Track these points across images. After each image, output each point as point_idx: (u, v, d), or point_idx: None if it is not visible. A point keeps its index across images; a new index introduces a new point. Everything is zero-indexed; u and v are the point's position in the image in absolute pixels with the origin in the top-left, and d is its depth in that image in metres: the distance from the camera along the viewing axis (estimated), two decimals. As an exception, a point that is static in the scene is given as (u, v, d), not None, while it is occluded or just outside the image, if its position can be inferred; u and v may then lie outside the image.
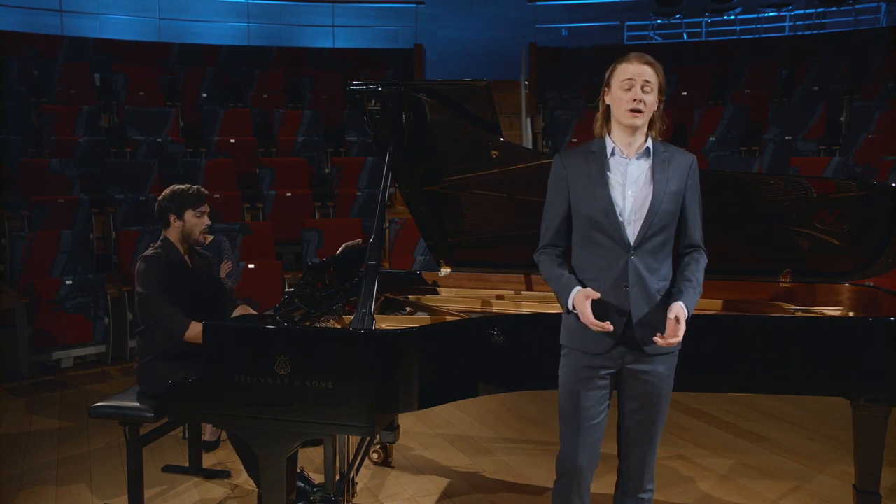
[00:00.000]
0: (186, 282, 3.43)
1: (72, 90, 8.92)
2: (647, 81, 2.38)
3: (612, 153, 2.44)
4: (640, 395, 2.47)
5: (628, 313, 2.40)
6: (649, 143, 2.44)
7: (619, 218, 2.39)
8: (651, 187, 2.40)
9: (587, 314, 2.34)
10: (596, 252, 2.42)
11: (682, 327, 2.32)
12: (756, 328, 3.02)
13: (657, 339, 2.32)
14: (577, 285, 2.42)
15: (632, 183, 2.41)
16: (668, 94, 9.10)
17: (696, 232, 2.49)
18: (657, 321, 2.38)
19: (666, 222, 2.41)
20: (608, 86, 2.44)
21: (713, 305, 3.46)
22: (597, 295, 2.36)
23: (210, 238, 3.60)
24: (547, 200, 2.55)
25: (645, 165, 2.43)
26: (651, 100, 2.39)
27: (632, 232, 2.39)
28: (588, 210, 2.42)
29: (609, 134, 2.47)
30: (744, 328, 3.02)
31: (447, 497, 3.70)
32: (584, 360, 2.46)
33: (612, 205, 2.39)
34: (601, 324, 2.33)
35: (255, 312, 3.47)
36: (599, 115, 2.49)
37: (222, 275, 4.37)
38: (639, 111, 2.37)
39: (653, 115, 2.43)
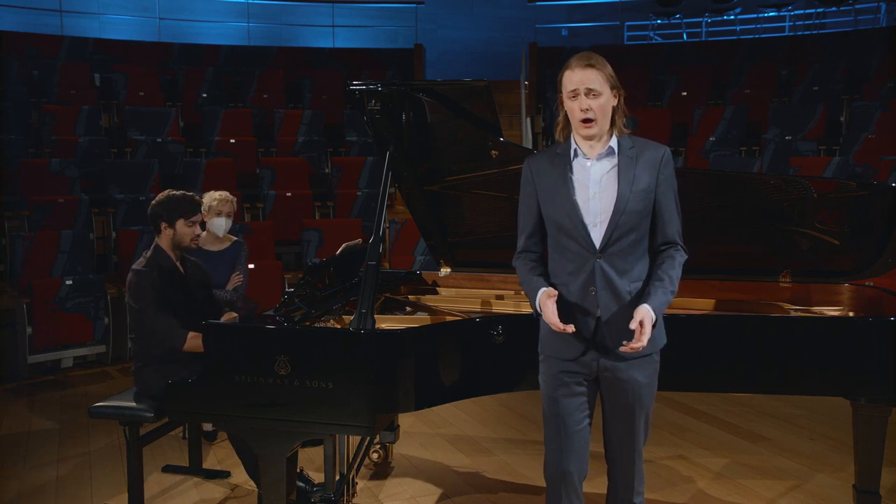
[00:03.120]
0: (180, 289, 3.43)
1: (72, 90, 8.92)
2: (591, 89, 2.31)
3: (575, 155, 2.40)
4: (618, 404, 2.43)
5: (598, 317, 2.36)
6: (612, 142, 2.39)
7: (584, 221, 2.35)
8: (616, 187, 2.35)
9: (548, 314, 2.32)
10: (565, 256, 2.39)
11: (647, 331, 2.25)
12: (756, 328, 3.01)
13: (623, 346, 2.28)
14: (542, 287, 2.39)
15: (595, 184, 2.36)
16: (667, 94, 9.10)
17: (671, 228, 2.41)
18: (628, 324, 2.31)
19: (634, 222, 2.35)
20: (560, 93, 2.40)
21: (713, 305, 3.46)
22: (554, 293, 2.32)
23: (199, 242, 3.59)
24: (519, 206, 2.52)
25: (609, 165, 2.38)
26: (600, 103, 2.32)
27: (597, 235, 2.34)
28: (554, 214, 2.40)
29: (573, 138, 2.42)
30: (744, 328, 3.02)
31: (447, 497, 3.70)
32: (559, 366, 2.44)
33: (576, 208, 2.35)
34: (562, 325, 2.29)
35: (236, 316, 3.47)
36: (560, 121, 2.44)
37: (230, 286, 4.35)
38: (590, 120, 2.32)
39: (613, 113, 2.37)
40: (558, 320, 2.30)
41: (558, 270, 2.43)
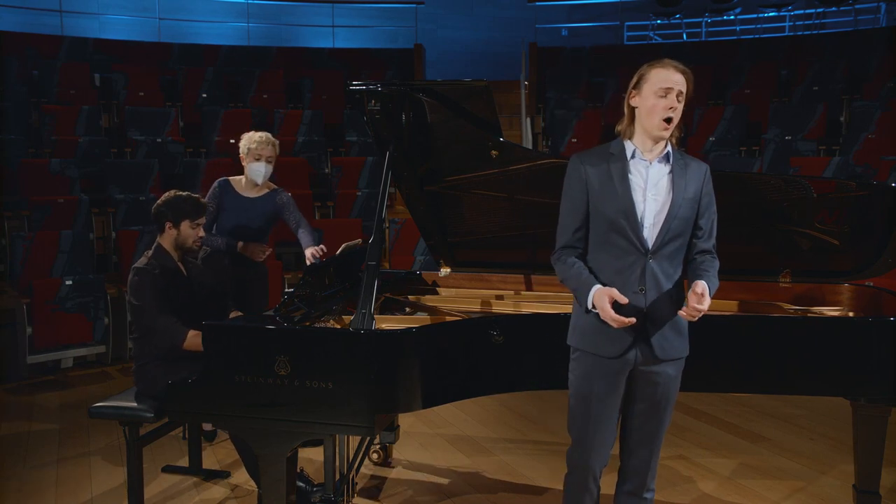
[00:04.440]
0: (181, 289, 3.43)
1: (72, 90, 8.92)
2: (682, 91, 2.38)
3: (633, 156, 2.43)
4: (648, 396, 2.48)
5: (644, 316, 2.39)
6: (669, 149, 2.44)
7: (639, 220, 2.38)
8: (671, 192, 2.40)
9: (608, 310, 2.32)
10: (613, 254, 2.41)
11: (707, 300, 2.30)
12: (756, 328, 3.02)
13: (681, 311, 2.31)
14: (596, 283, 2.40)
15: (653, 186, 2.41)
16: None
17: (710, 240, 2.49)
18: (672, 325, 2.41)
19: (682, 228, 2.41)
20: (637, 88, 2.41)
21: (713, 305, 3.45)
22: (624, 299, 2.32)
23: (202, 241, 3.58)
24: (563, 201, 2.51)
25: (665, 170, 2.43)
26: (681, 107, 2.39)
27: (650, 236, 2.38)
28: (608, 211, 2.40)
29: (631, 137, 2.45)
30: (744, 328, 3.02)
31: (447, 497, 3.70)
32: (597, 363, 2.45)
33: (633, 207, 2.38)
34: (624, 319, 2.31)
35: (242, 315, 3.47)
36: (625, 117, 2.46)
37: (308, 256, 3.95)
38: (671, 119, 2.36)
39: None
40: (617, 315, 2.32)
41: (604, 267, 2.44)
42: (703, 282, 2.34)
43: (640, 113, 2.41)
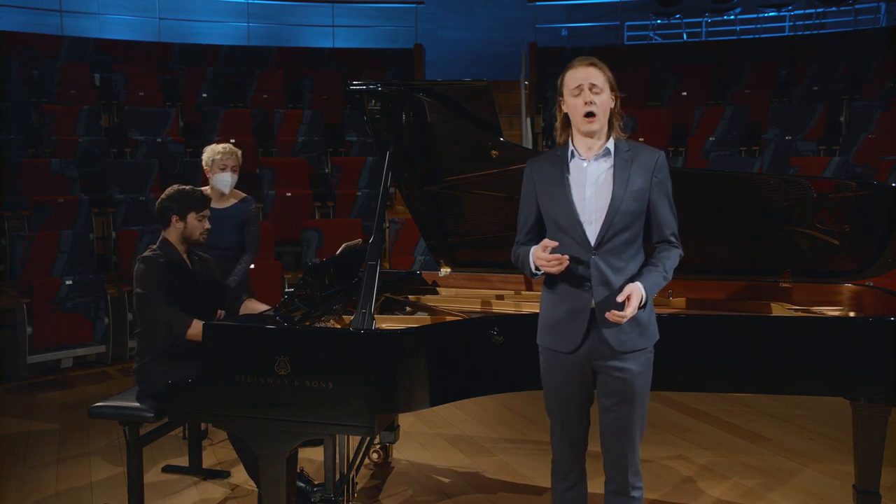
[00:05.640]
0: (186, 282, 3.43)
1: (72, 90, 8.92)
2: (594, 84, 2.42)
3: (573, 156, 2.50)
4: (613, 391, 2.50)
5: (592, 311, 2.45)
6: (609, 144, 2.48)
7: (580, 219, 2.45)
8: (611, 187, 2.44)
9: (543, 256, 2.39)
10: (563, 253, 2.47)
11: (634, 305, 2.33)
12: (756, 328, 3.02)
13: (608, 314, 2.35)
14: (533, 246, 2.48)
15: (592, 184, 2.46)
16: (667, 94, 9.11)
17: (666, 229, 2.50)
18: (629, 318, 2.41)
19: (628, 221, 2.44)
20: (561, 95, 2.50)
21: (713, 305, 3.46)
22: (553, 243, 2.40)
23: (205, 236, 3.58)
24: (520, 204, 2.63)
25: (605, 165, 2.48)
26: (603, 100, 2.43)
27: (592, 232, 2.44)
28: (551, 212, 2.50)
29: (571, 140, 2.52)
30: (744, 328, 3.02)
31: (447, 497, 3.70)
32: (555, 357, 2.54)
33: (572, 206, 2.46)
34: (558, 256, 2.37)
35: (264, 306, 3.47)
36: (558, 125, 2.54)
37: (236, 274, 4.15)
38: (592, 114, 2.42)
39: (611, 115, 2.46)
40: (552, 256, 2.38)
41: None
42: (636, 284, 2.37)
43: (570, 116, 2.49)
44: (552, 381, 2.57)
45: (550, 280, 2.54)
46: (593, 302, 2.44)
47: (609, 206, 2.42)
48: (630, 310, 2.34)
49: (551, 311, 2.53)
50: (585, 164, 2.48)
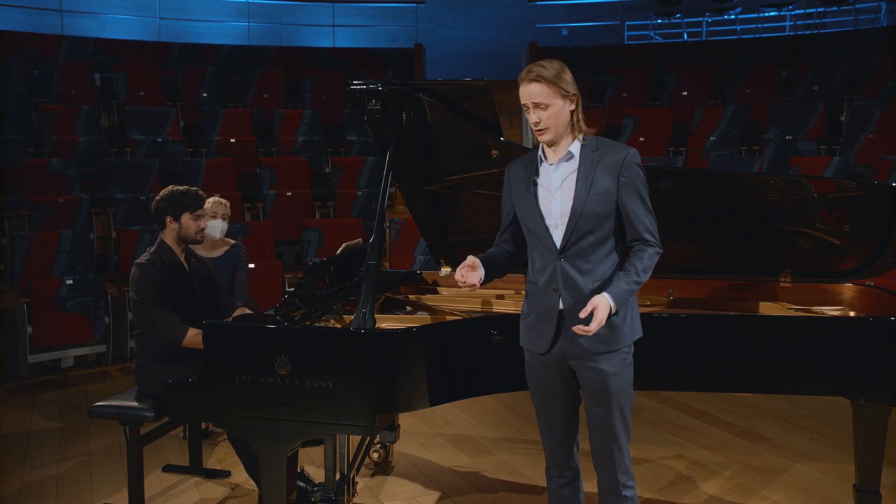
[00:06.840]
0: (183, 284, 3.43)
1: (72, 90, 8.92)
2: (536, 103, 2.40)
3: (541, 161, 2.53)
4: (592, 392, 2.52)
5: (560, 314, 2.47)
6: (574, 147, 2.47)
7: (545, 223, 2.47)
8: (574, 190, 2.45)
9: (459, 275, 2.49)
10: (535, 255, 2.53)
11: (599, 319, 2.31)
12: (756, 328, 3.02)
13: (574, 327, 2.36)
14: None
15: (557, 188, 2.48)
16: (667, 93, 9.07)
17: (639, 226, 2.44)
18: (590, 322, 2.38)
19: (594, 224, 2.42)
20: None
21: (713, 305, 3.46)
22: (473, 259, 2.48)
23: (204, 235, 3.59)
24: (502, 206, 2.68)
25: (570, 169, 2.47)
26: (549, 114, 2.40)
27: (558, 236, 2.45)
28: (522, 216, 2.55)
29: (541, 143, 2.54)
30: (744, 328, 3.02)
31: (447, 497, 3.70)
32: (533, 358, 2.59)
33: (538, 210, 2.48)
34: (464, 278, 2.47)
35: (252, 313, 3.47)
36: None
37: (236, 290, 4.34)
38: (540, 130, 2.43)
39: (572, 118, 2.44)
40: (462, 274, 2.49)
41: (531, 269, 2.58)
42: (603, 296, 2.34)
43: None
44: (533, 380, 2.62)
45: (527, 283, 2.59)
46: (561, 304, 2.46)
47: (571, 210, 2.42)
48: (595, 324, 2.32)
49: (527, 314, 2.58)
50: (552, 168, 2.50)
